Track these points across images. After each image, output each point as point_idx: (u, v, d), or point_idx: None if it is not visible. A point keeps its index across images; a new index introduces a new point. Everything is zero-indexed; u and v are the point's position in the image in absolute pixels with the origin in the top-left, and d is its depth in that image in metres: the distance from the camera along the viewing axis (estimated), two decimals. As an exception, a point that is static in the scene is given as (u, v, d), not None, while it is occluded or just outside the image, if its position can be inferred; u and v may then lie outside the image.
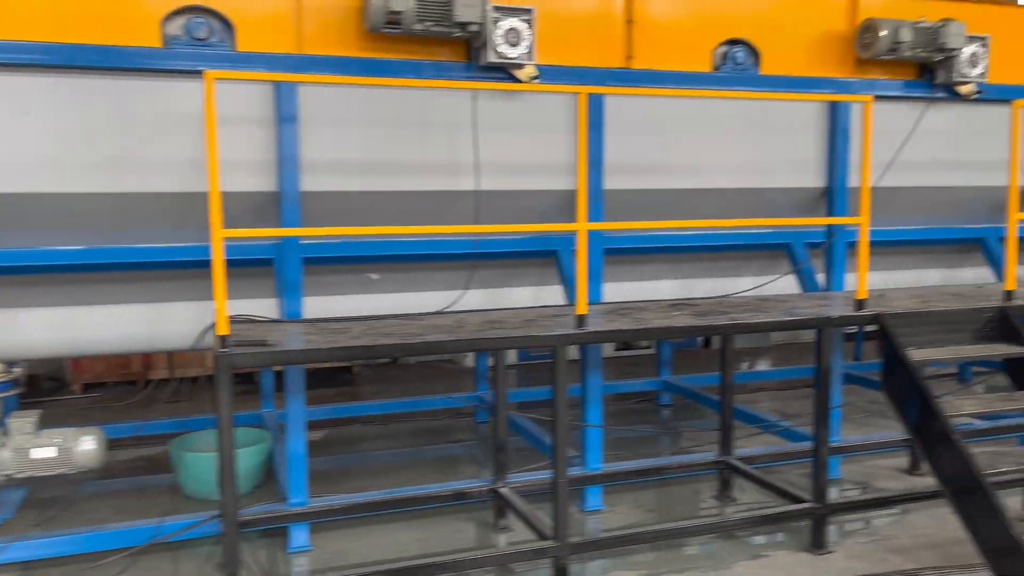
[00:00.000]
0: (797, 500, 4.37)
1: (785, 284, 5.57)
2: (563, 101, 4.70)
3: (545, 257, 5.10)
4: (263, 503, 4.55)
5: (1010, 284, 4.56)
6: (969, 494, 3.75)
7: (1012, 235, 4.54)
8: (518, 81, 4.40)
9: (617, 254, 5.30)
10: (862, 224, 4.27)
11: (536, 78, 4.40)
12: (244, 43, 4.13)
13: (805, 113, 5.21)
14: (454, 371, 8.69)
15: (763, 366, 9.15)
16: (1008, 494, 4.77)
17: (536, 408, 6.03)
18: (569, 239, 4.90)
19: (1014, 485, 4.38)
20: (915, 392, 4.03)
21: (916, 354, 4.21)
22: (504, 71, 4.41)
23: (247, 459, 4.99)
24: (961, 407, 4.05)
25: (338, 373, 8.43)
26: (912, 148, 5.51)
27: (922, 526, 4.54)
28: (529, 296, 5.31)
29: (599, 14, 4.67)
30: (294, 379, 4.25)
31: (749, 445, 5.64)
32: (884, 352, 4.23)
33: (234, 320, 3.92)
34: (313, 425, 6.79)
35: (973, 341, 4.51)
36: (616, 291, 5.49)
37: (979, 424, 5.49)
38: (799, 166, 5.29)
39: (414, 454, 6.09)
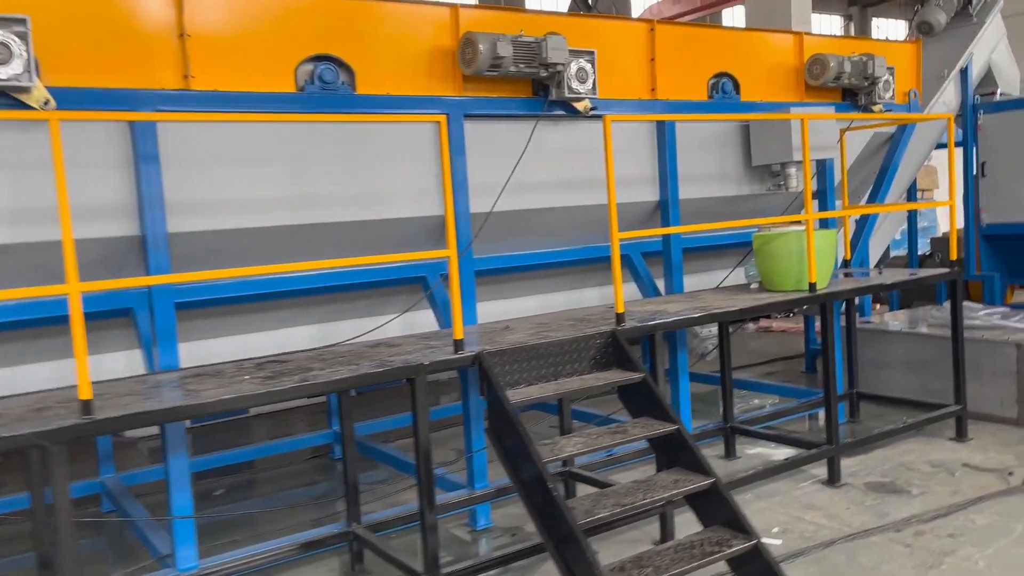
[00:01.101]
0: (412, 572, 3.85)
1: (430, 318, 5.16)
2: (110, 130, 3.90)
3: (120, 316, 4.26)
4: None
5: (619, 306, 4.38)
6: (567, 544, 3.41)
7: (615, 255, 4.36)
8: (30, 108, 3.54)
9: (227, 303, 4.59)
10: (450, 257, 3.86)
11: (48, 103, 3.56)
12: None
13: (421, 136, 4.79)
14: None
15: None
16: (648, 522, 4.61)
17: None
18: (142, 295, 4.10)
19: (613, 527, 4.16)
20: (514, 436, 3.66)
21: (517, 394, 3.86)
22: (7, 96, 3.53)
23: None
24: (562, 448, 3.73)
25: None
26: (544, 168, 5.30)
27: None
28: (123, 363, 4.47)
29: (140, 26, 3.92)
30: None
31: (408, 499, 5.13)
32: (486, 394, 3.84)
33: None
34: None
35: (591, 369, 4.27)
36: (233, 346, 4.79)
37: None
38: (422, 194, 4.87)
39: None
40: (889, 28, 29.49)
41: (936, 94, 8.14)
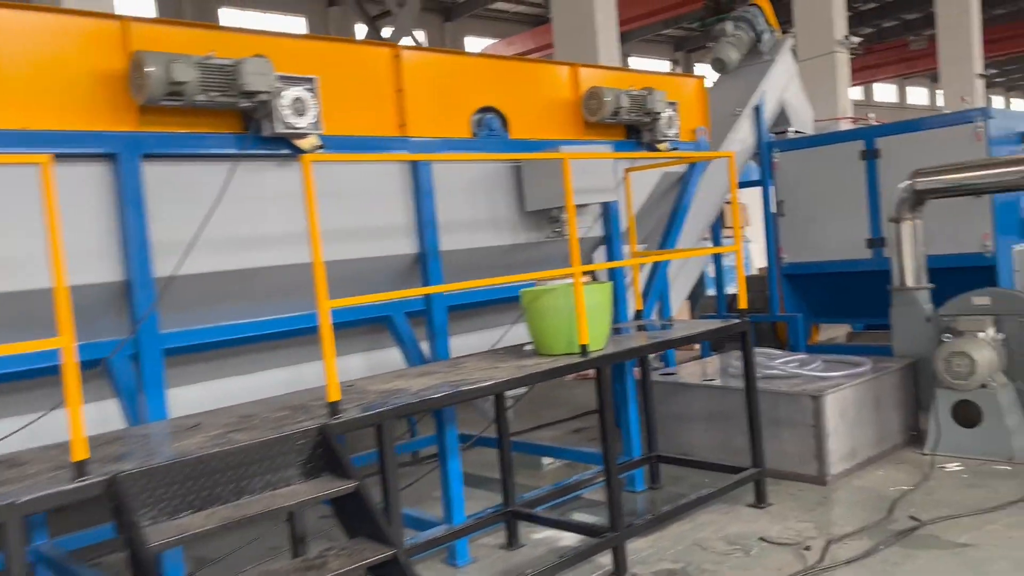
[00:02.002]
0: None
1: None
2: None
3: None
4: None
5: (331, 394, 3.49)
6: None
7: (326, 325, 3.48)
8: None
9: None
10: (64, 347, 2.84)
11: None
12: None
13: (80, 183, 3.73)
14: None
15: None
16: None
17: None
18: None
19: None
20: (152, 595, 2.66)
21: (167, 529, 2.87)
22: None
23: None
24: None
25: None
26: (270, 218, 4.38)
27: None
28: None
29: None
30: None
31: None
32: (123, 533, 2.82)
33: None
34: None
35: (298, 477, 3.34)
36: None
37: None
38: (90, 255, 3.80)
39: None
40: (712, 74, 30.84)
41: (730, 132, 7.91)
